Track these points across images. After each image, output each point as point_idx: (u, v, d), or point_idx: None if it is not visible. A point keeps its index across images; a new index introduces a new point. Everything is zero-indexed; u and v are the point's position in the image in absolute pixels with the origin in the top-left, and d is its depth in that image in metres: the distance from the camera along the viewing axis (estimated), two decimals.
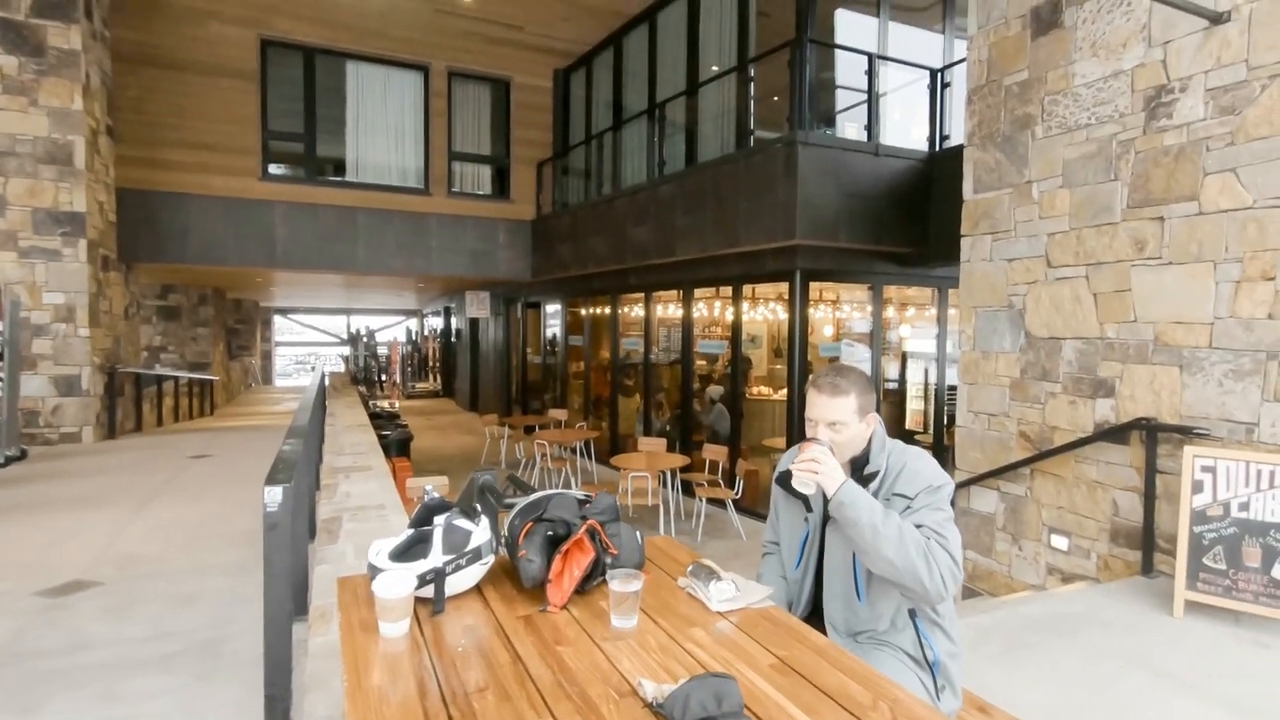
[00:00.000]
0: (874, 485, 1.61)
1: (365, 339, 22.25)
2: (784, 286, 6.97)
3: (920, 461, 1.62)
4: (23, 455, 6.41)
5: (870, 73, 6.59)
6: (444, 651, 1.33)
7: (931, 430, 7.93)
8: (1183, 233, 3.54)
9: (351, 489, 4.46)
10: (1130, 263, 3.77)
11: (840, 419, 1.62)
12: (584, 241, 9.47)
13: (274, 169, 9.65)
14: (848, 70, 7.26)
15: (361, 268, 10.04)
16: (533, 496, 1.68)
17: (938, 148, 6.65)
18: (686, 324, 8.31)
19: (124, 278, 8.54)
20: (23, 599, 3.30)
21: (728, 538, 6.62)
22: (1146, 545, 3.63)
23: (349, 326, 27.02)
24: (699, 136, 8.05)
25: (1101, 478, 3.94)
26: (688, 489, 7.38)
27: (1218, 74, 3.40)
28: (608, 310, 10.00)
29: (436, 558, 1.47)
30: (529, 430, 10.15)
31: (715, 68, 7.90)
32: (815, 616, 1.74)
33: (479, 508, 1.60)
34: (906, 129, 7.15)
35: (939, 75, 6.76)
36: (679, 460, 6.94)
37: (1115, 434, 3.81)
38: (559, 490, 1.72)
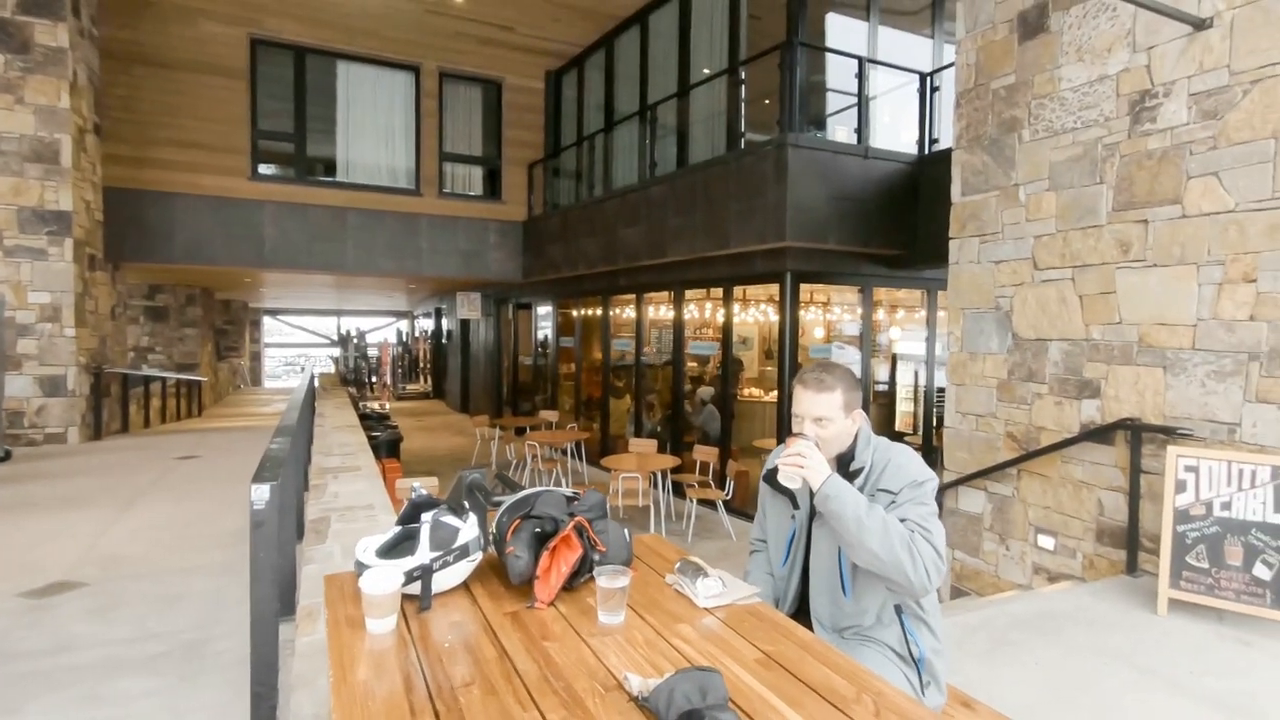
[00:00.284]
0: (859, 481, 1.63)
1: (355, 340, 22.15)
2: (774, 288, 6.99)
3: (904, 457, 1.64)
4: (7, 456, 6.35)
5: (860, 76, 6.63)
6: (430, 647, 1.33)
7: (921, 432, 7.97)
8: (1166, 235, 3.59)
9: (340, 489, 4.43)
10: (1115, 265, 3.82)
11: (826, 414, 1.64)
12: (575, 243, 9.47)
13: (264, 169, 9.60)
14: (838, 73, 7.31)
15: (351, 268, 10.00)
16: (521, 494, 1.68)
17: (927, 151, 6.70)
18: (677, 325, 8.33)
19: (111, 277, 8.47)
20: (6, 600, 3.27)
21: (718, 538, 6.63)
22: (1131, 544, 3.67)
23: (339, 328, 26.89)
24: (690, 138, 8.07)
25: (1087, 478, 3.97)
26: (678, 490, 7.38)
27: (1200, 79, 3.44)
28: (599, 311, 10.00)
29: (424, 554, 1.47)
30: (520, 431, 10.14)
31: (706, 70, 7.93)
32: (802, 613, 1.75)
33: (467, 505, 1.60)
34: (896, 132, 7.21)
35: (928, 79, 6.81)
36: (670, 461, 6.95)
37: (1100, 434, 3.85)
38: (547, 488, 1.72)
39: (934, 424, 7.64)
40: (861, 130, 6.64)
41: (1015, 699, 2.52)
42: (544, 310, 12.08)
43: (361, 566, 1.45)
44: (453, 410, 16.82)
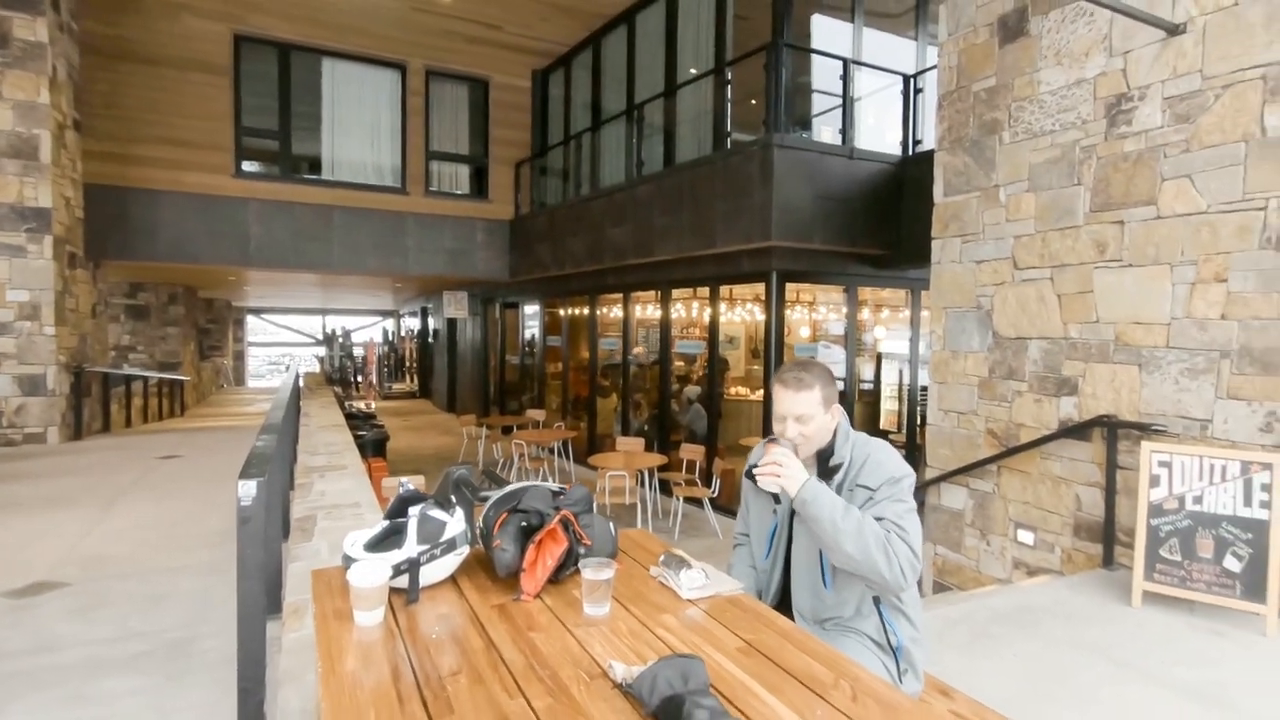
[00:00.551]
0: (838, 477, 1.66)
1: (340, 339, 22.00)
2: (761, 287, 7.04)
3: (883, 453, 1.67)
4: None
5: (845, 77, 6.70)
6: (418, 638, 1.35)
7: (904, 430, 8.06)
8: (1141, 236, 3.66)
9: (326, 487, 4.42)
10: (1092, 265, 3.89)
11: (807, 412, 1.67)
12: (562, 242, 9.48)
13: (248, 166, 9.52)
14: (824, 74, 7.38)
15: (337, 267, 9.94)
16: (508, 488, 1.71)
17: (910, 152, 6.77)
18: (664, 324, 8.36)
19: (91, 275, 8.37)
20: None
21: (704, 536, 6.68)
22: (1107, 539, 3.75)
23: (324, 327, 26.69)
24: (677, 138, 8.11)
25: (1065, 474, 4.05)
26: (665, 488, 7.42)
27: (1174, 83, 3.52)
28: (586, 311, 10.02)
29: (411, 548, 1.49)
30: (507, 431, 10.12)
31: (693, 70, 7.97)
32: (784, 605, 1.78)
33: (454, 500, 1.62)
34: (881, 133, 7.28)
35: (912, 81, 6.88)
36: (656, 459, 6.98)
37: (1078, 431, 3.92)
38: (533, 483, 1.74)
39: (918, 422, 7.73)
40: (846, 131, 6.71)
41: (995, 690, 2.57)
42: (531, 309, 12.07)
43: (349, 560, 1.47)
44: (439, 410, 16.75)
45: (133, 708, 2.38)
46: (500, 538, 1.56)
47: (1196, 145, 3.44)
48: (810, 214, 6.27)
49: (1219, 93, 3.35)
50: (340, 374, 20.33)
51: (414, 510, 1.53)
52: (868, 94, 7.27)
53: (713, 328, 7.66)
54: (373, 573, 1.39)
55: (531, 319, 12.14)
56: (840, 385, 7.19)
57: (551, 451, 9.07)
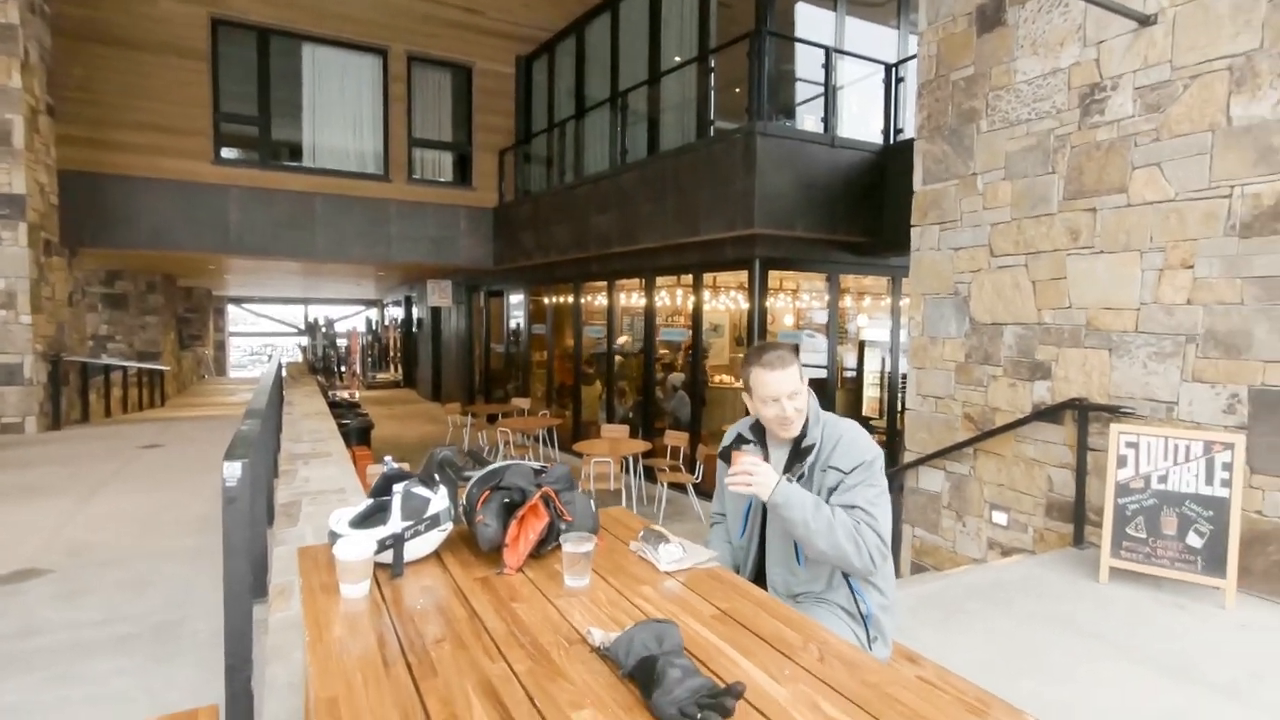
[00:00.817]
0: (810, 458, 1.72)
1: (324, 329, 21.82)
2: (744, 275, 7.09)
3: (853, 433, 1.73)
4: None
5: (827, 66, 6.73)
6: (403, 610, 1.39)
7: (886, 416, 8.17)
8: (1112, 223, 3.75)
9: (310, 474, 4.44)
10: (1065, 252, 3.98)
11: (797, 388, 1.73)
12: (546, 229, 9.47)
13: (227, 152, 9.41)
14: (807, 63, 7.41)
15: (319, 255, 9.86)
16: (490, 467, 1.75)
17: (892, 140, 6.83)
18: (649, 312, 8.40)
19: (67, 263, 8.25)
20: None
21: (688, 520, 6.76)
22: (1078, 518, 3.86)
23: (306, 316, 26.43)
24: (661, 125, 8.11)
25: (1038, 456, 4.15)
26: (650, 474, 7.49)
27: (1145, 73, 3.60)
28: (571, 299, 10.02)
29: (395, 524, 1.53)
30: (492, 419, 10.14)
31: (678, 57, 7.97)
32: (760, 580, 1.84)
33: (437, 478, 1.65)
34: (865, 121, 7.33)
35: (893, 70, 6.94)
36: (641, 446, 7.04)
37: (1050, 414, 4.02)
38: (516, 461, 1.78)
39: (899, 408, 7.84)
40: (828, 119, 6.75)
41: (964, 661, 2.64)
42: (516, 298, 12.05)
43: (335, 536, 1.50)
44: (424, 399, 16.71)
45: (121, 687, 2.41)
46: (483, 514, 1.60)
47: (1166, 134, 3.52)
48: (793, 202, 6.32)
49: (1187, 83, 3.43)
50: (323, 363, 20.19)
51: (398, 488, 1.57)
52: (850, 82, 7.32)
53: (696, 315, 7.71)
54: (358, 547, 1.43)
55: (516, 307, 12.12)
56: (823, 373, 7.29)
57: (537, 439, 9.10)
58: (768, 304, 7.32)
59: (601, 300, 9.42)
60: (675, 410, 8.30)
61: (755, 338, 6.83)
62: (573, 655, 1.21)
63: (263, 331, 28.70)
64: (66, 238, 8.12)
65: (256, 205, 9.31)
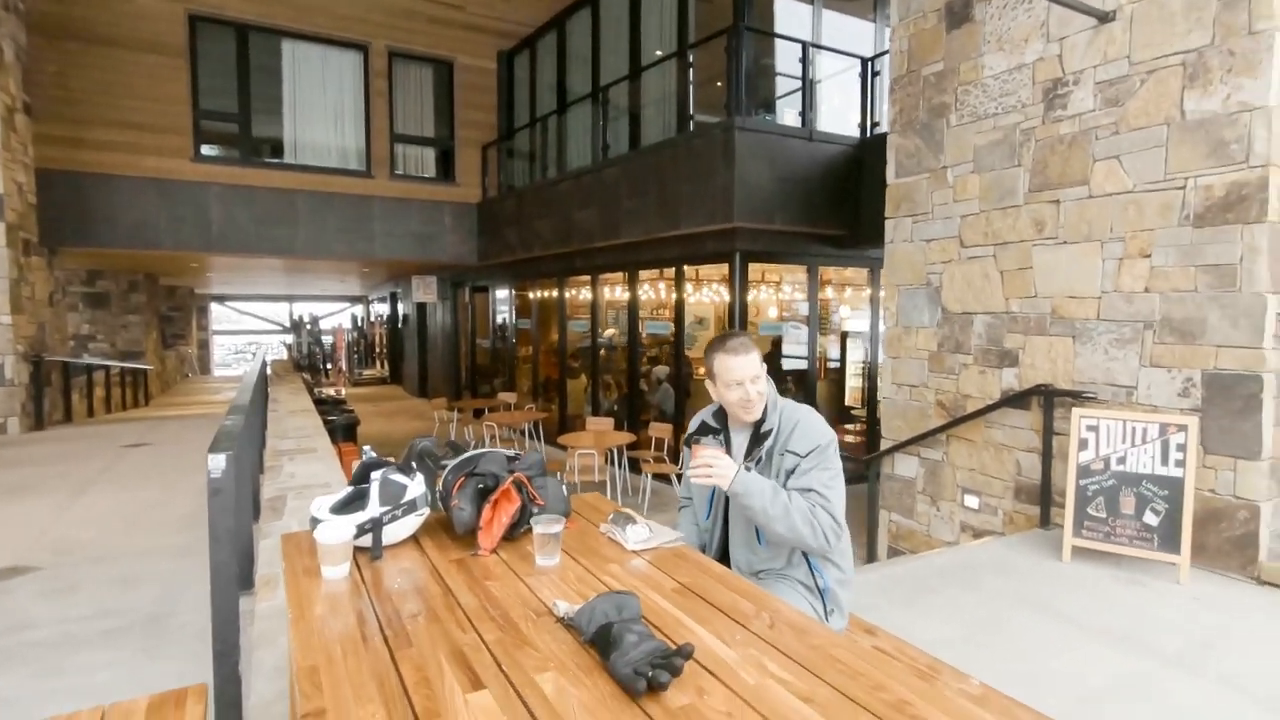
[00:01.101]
0: (768, 443, 1.82)
1: (308, 326, 21.71)
2: (725, 268, 7.18)
3: (810, 419, 1.83)
4: None
5: (804, 60, 6.81)
6: (382, 590, 1.47)
7: (867, 405, 8.30)
8: (1075, 214, 3.87)
9: (296, 469, 4.50)
10: (1031, 242, 4.10)
11: (757, 372, 1.82)
12: (530, 225, 9.51)
13: (207, 150, 9.37)
14: (788, 57, 7.48)
15: (302, 252, 9.85)
16: (465, 454, 1.82)
17: (869, 134, 6.94)
18: (632, 306, 8.48)
19: (47, 262, 8.20)
20: None
21: (671, 510, 6.83)
22: (1044, 500, 3.99)
23: (291, 313, 26.26)
24: (642, 120, 8.17)
25: (1007, 441, 4.28)
26: (635, 466, 7.58)
27: (1105, 68, 3.71)
28: (555, 293, 10.08)
29: (374, 509, 1.61)
30: (479, 414, 10.19)
31: (659, 52, 8.02)
32: (725, 560, 1.94)
33: (414, 466, 1.73)
34: (845, 115, 7.42)
35: (869, 64, 7.03)
36: (625, 438, 7.13)
37: (1018, 400, 4.15)
38: (490, 449, 1.86)
39: (879, 398, 7.96)
40: (806, 113, 6.84)
41: (929, 636, 2.77)
42: (501, 293, 12.08)
43: (316, 521, 1.58)
44: (411, 395, 16.70)
45: (110, 678, 2.47)
46: (458, 499, 1.68)
47: (1124, 128, 3.64)
48: (772, 195, 6.41)
49: (1144, 78, 3.55)
50: (309, 361, 20.11)
51: (375, 475, 1.65)
52: (829, 76, 7.41)
53: (679, 308, 7.80)
54: (337, 531, 1.51)
55: (501, 302, 12.16)
56: (803, 364, 7.40)
57: (523, 433, 9.17)
58: (750, 296, 7.42)
59: (586, 294, 9.48)
60: (660, 402, 8.39)
61: (737, 329, 6.93)
62: (540, 626, 1.30)
63: (247, 329, 28.47)
64: (46, 237, 8.08)
65: (238, 202, 9.28)
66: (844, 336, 9.02)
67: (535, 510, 1.73)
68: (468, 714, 1.02)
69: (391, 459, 1.80)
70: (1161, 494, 3.27)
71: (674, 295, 7.97)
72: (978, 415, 4.36)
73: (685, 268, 7.74)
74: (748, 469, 1.77)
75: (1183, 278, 3.43)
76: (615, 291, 9.13)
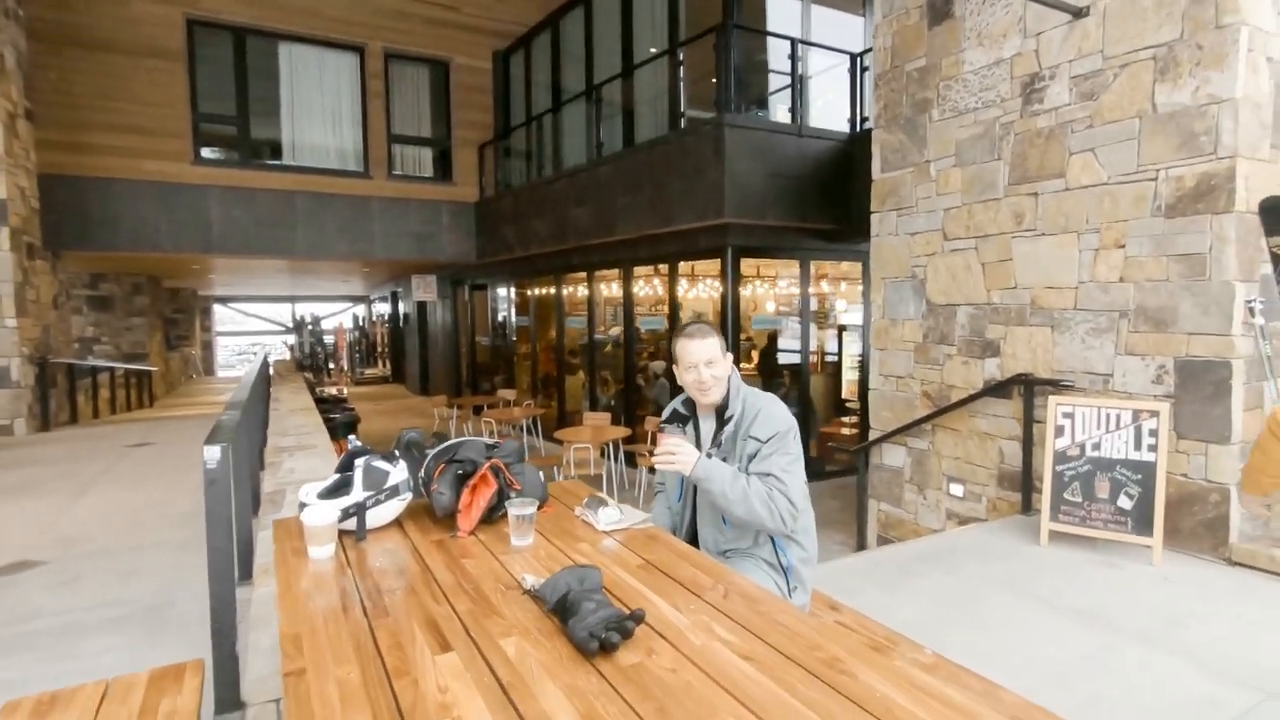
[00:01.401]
0: (730, 427, 1.91)
1: (310, 326, 21.85)
2: (718, 263, 7.26)
3: (771, 406, 1.92)
4: None
5: (793, 56, 6.88)
6: (365, 569, 1.57)
7: (861, 399, 8.37)
8: (1053, 206, 3.95)
9: (296, 465, 4.60)
10: (1011, 234, 4.18)
11: (713, 356, 1.91)
12: (527, 223, 9.60)
13: (207, 152, 9.47)
14: (779, 53, 7.55)
15: (302, 253, 9.96)
16: (447, 443, 1.92)
17: (858, 128, 7.00)
18: (627, 302, 8.56)
19: (51, 266, 8.33)
20: None
21: None
22: (1025, 487, 4.07)
23: (293, 314, 26.41)
24: (636, 117, 8.25)
25: (990, 429, 4.37)
26: (631, 459, 7.68)
27: (1080, 63, 3.79)
28: (552, 290, 10.18)
29: (358, 494, 1.70)
30: (478, 411, 10.30)
31: (653, 49, 8.09)
32: (695, 541, 2.03)
33: (397, 453, 1.83)
34: (835, 110, 7.48)
35: (858, 59, 7.09)
36: (621, 432, 7.22)
37: (1000, 389, 4.23)
38: (470, 437, 1.96)
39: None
40: (796, 109, 6.91)
41: (905, 616, 2.87)
42: (500, 291, 12.18)
43: (304, 505, 1.68)
44: (412, 393, 16.82)
45: (113, 662, 2.57)
46: (439, 484, 1.78)
47: (1099, 121, 3.71)
48: (763, 191, 6.49)
49: (1117, 72, 3.62)
50: (311, 360, 20.25)
51: (359, 462, 1.74)
52: (820, 71, 7.47)
53: (673, 304, 7.88)
54: (322, 514, 1.60)
55: (500, 300, 12.26)
56: (795, 357, 7.49)
57: (522, 429, 9.28)
58: (743, 291, 7.50)
59: (584, 292, 9.57)
60: (657, 397, 8.48)
61: (730, 324, 7.02)
62: (509, 598, 1.39)
63: (250, 330, 28.64)
64: (49, 241, 8.20)
65: (238, 204, 9.39)
66: (841, 330, 9.09)
67: (512, 495, 1.83)
68: (435, 672, 1.12)
69: (372, 449, 1.90)
70: (1135, 478, 3.35)
71: (670, 291, 8.06)
72: (961, 405, 4.45)
73: (680, 264, 7.83)
74: (710, 456, 1.86)
75: (1156, 267, 3.51)
76: (612, 288, 9.22)
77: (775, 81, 7.71)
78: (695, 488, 1.99)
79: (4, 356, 7.09)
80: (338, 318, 26.94)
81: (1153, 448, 3.32)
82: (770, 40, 7.55)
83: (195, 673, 1.67)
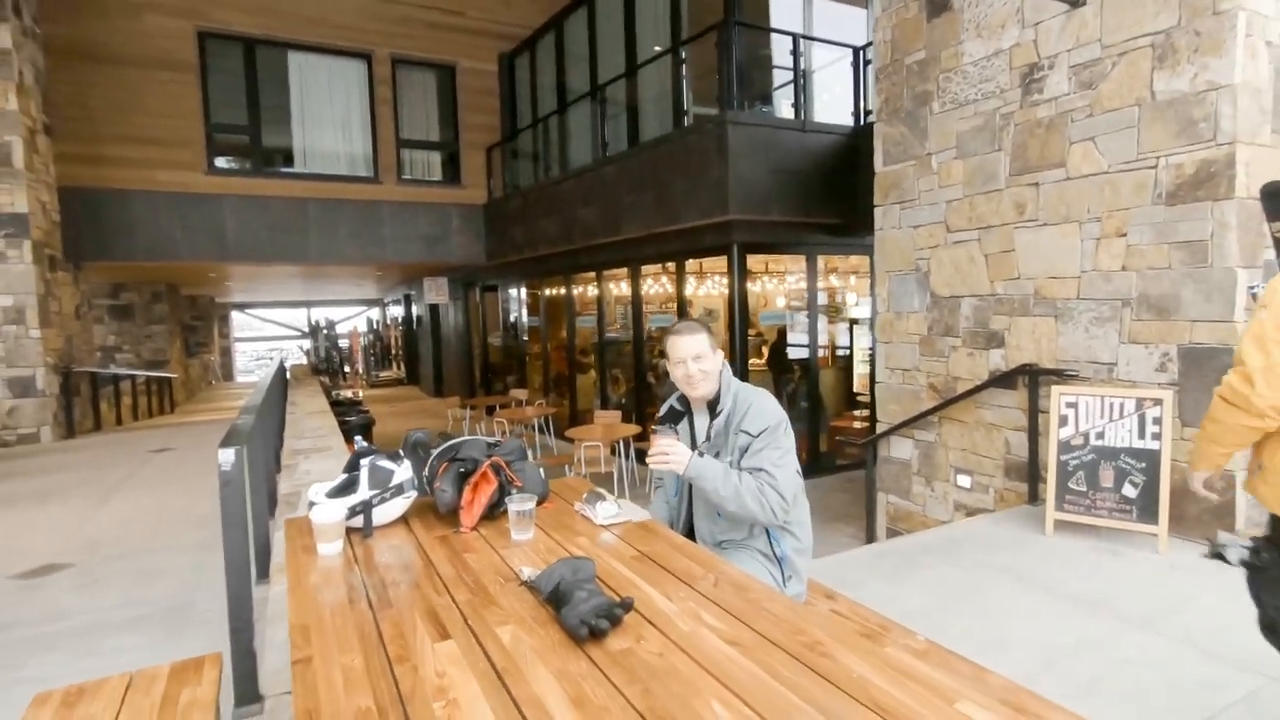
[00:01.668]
0: (720, 420, 1.96)
1: (325, 330, 22.11)
2: (724, 260, 7.28)
3: (762, 401, 1.97)
4: None
5: (795, 51, 6.89)
6: (371, 563, 1.63)
7: (871, 393, 8.37)
8: (1054, 196, 3.95)
9: (311, 467, 4.70)
10: (1013, 225, 4.18)
11: (701, 351, 1.97)
12: (535, 223, 9.67)
13: (220, 162, 9.64)
14: (783, 48, 7.56)
15: (315, 258, 10.11)
16: (449, 442, 1.99)
17: (862, 122, 7.00)
18: (635, 300, 8.61)
19: (73, 277, 8.53)
20: None
21: None
22: (1031, 477, 4.08)
23: (309, 319, 26.75)
24: (641, 116, 8.29)
25: (996, 420, 4.37)
26: (641, 457, 7.73)
27: (1078, 52, 3.78)
28: (562, 290, 10.25)
29: (364, 492, 1.77)
30: (490, 410, 10.40)
31: (657, 48, 8.13)
32: (692, 533, 2.08)
33: (402, 453, 1.90)
34: (840, 104, 7.47)
35: (861, 53, 7.09)
36: (631, 430, 7.28)
37: (1005, 380, 4.24)
38: (472, 436, 2.02)
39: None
40: (799, 104, 6.92)
41: (911, 605, 2.90)
42: (510, 292, 12.28)
43: (312, 504, 1.75)
44: (427, 395, 16.99)
45: (136, 659, 2.66)
46: (441, 482, 1.85)
47: (1098, 110, 3.71)
48: (767, 187, 6.51)
49: (1116, 60, 3.62)
50: (327, 364, 20.50)
51: (365, 462, 1.81)
52: (824, 66, 7.47)
53: (680, 301, 7.92)
54: (329, 512, 1.67)
55: (511, 301, 12.36)
56: (805, 352, 7.50)
57: (534, 428, 9.36)
58: (751, 287, 7.52)
59: (593, 291, 9.64)
60: (667, 394, 8.51)
61: (736, 320, 7.05)
62: (506, 590, 1.45)
63: (268, 336, 29.04)
64: (69, 253, 8.39)
65: (251, 212, 9.55)
66: (851, 324, 9.08)
67: (513, 491, 1.88)
68: (434, 659, 1.18)
69: (377, 450, 1.96)
70: (1139, 467, 3.36)
71: (678, 289, 8.10)
72: (967, 396, 4.46)
73: (686, 261, 7.86)
74: (700, 454, 1.91)
75: (1157, 255, 3.51)
76: (621, 287, 9.28)
77: (779, 77, 7.72)
78: (691, 484, 2.05)
79: (29, 366, 7.28)
80: (352, 321, 27.24)
81: (1157, 436, 3.32)
82: (773, 35, 7.56)
83: (214, 665, 1.75)
